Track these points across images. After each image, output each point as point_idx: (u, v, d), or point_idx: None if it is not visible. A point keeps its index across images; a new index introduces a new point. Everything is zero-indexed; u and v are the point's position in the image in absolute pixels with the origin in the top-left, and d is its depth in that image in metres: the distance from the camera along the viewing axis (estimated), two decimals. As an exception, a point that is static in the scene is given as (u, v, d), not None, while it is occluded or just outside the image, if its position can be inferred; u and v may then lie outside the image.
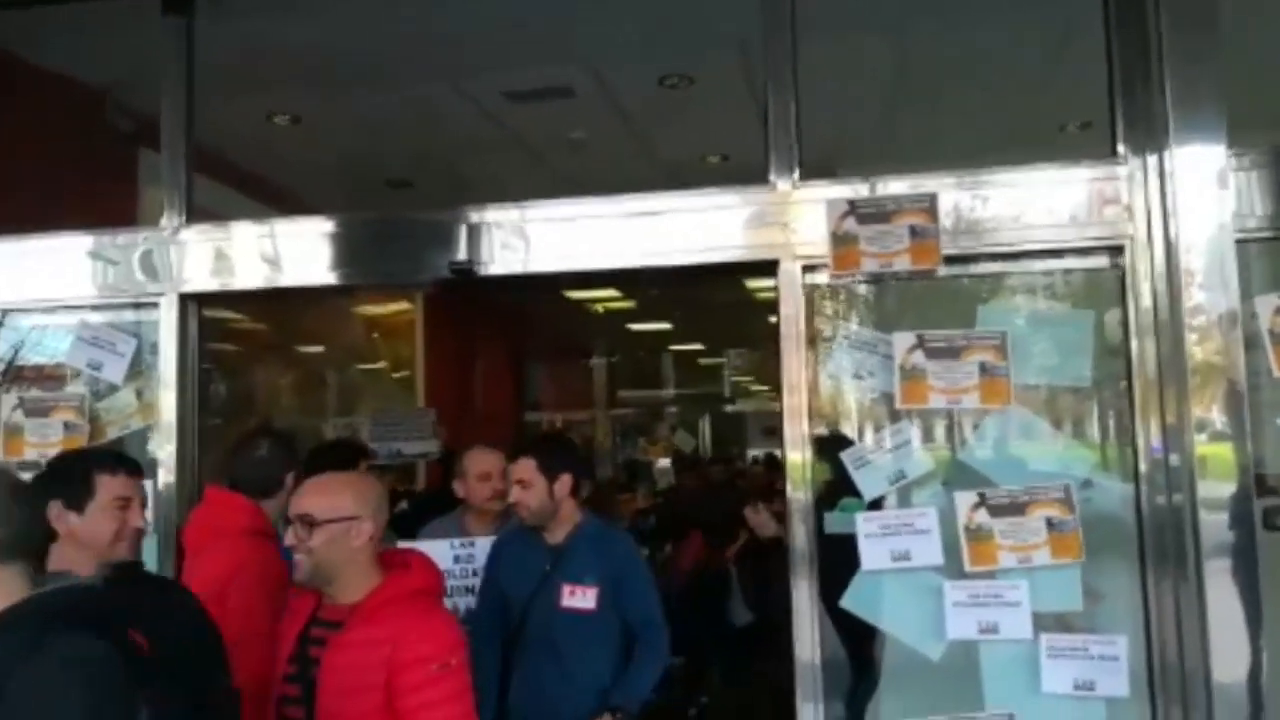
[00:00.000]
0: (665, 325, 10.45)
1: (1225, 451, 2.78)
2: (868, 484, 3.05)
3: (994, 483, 2.97)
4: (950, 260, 3.03)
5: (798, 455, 3.10)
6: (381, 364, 8.22)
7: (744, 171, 3.32)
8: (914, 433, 3.07)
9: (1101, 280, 3.08)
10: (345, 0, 3.74)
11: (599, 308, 8.89)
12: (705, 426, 10.42)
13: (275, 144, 5.14)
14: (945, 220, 3.02)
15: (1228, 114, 2.82)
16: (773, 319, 3.27)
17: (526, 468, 3.01)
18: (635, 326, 10.35)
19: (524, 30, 4.05)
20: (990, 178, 3.11)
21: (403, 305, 7.88)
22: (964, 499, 2.94)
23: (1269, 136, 3.19)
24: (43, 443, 3.49)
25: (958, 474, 3.05)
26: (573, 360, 11.10)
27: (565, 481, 3.04)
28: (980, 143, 4.79)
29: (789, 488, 3.11)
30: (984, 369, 2.95)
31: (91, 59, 4.17)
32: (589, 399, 10.95)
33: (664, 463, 7.75)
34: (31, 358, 3.67)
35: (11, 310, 3.65)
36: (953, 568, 2.93)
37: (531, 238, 3.35)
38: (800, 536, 3.07)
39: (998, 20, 3.92)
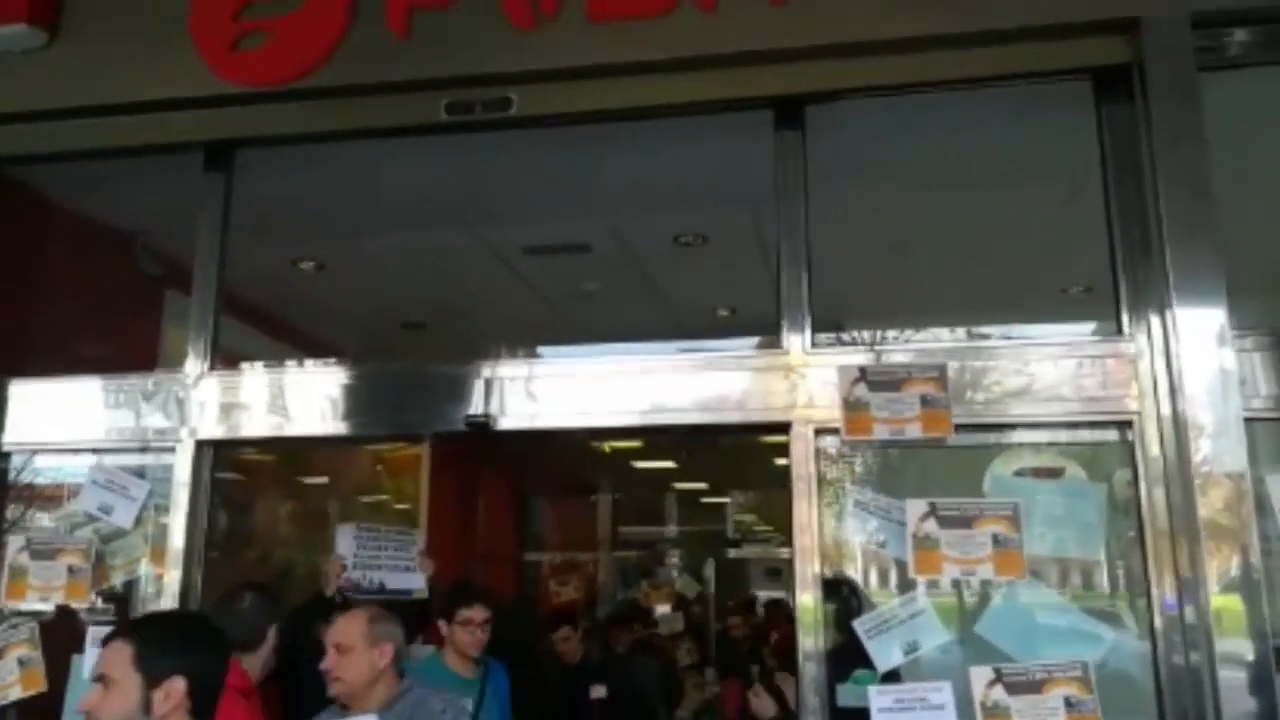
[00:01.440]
0: (670, 464, 10.44)
1: (1241, 607, 2.74)
2: (881, 654, 2.99)
3: (1009, 656, 2.92)
4: (960, 428, 3.06)
5: (809, 599, 3.07)
6: (384, 497, 8.17)
7: (752, 324, 3.40)
8: (928, 602, 3.03)
9: (1111, 448, 3.11)
10: (373, 155, 3.89)
11: (605, 447, 8.91)
12: (710, 570, 10.26)
13: (299, 288, 5.28)
14: (955, 388, 3.07)
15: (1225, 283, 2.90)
16: (779, 461, 3.29)
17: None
18: (640, 464, 10.34)
19: (545, 187, 4.22)
20: (997, 349, 3.18)
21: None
22: (979, 675, 2.87)
23: (1266, 304, 3.29)
24: (46, 586, 3.46)
25: (972, 645, 3.00)
26: (576, 498, 11.03)
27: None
28: (984, 302, 4.92)
29: (799, 636, 3.07)
30: (997, 540, 2.94)
31: (123, 205, 4.33)
32: (592, 538, 10.83)
33: (663, 609, 7.54)
34: (36, 480, 3.70)
35: (27, 449, 3.70)
36: (970, 745, 2.85)
37: (545, 394, 3.41)
38: (811, 705, 3.01)
39: (1004, 183, 4.09)
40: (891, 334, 4.07)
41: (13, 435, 3.67)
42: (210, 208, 3.68)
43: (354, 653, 2.69)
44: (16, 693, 3.31)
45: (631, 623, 6.55)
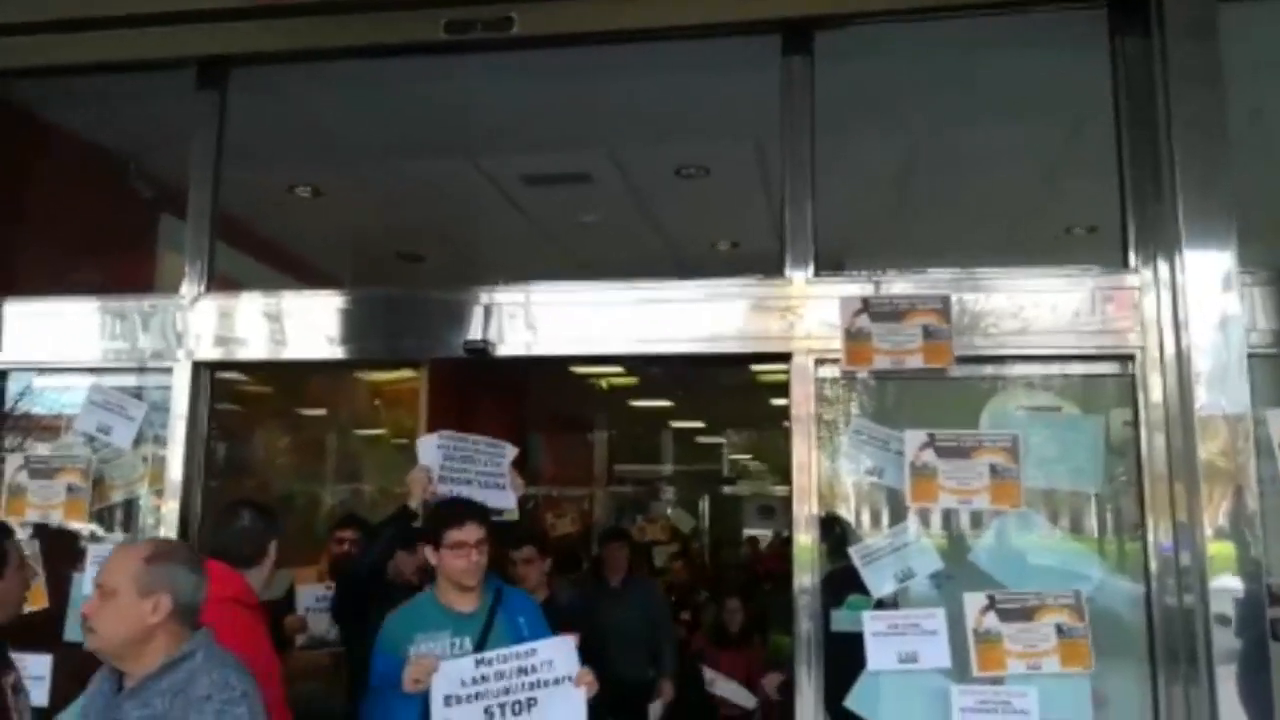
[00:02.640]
0: (667, 403, 10.47)
1: (1236, 552, 2.77)
2: (876, 581, 3.02)
3: (1003, 584, 2.95)
4: (960, 360, 3.06)
5: (806, 538, 3.09)
6: (382, 430, 8.20)
7: (753, 259, 3.37)
8: (922, 530, 3.05)
9: (1111, 385, 3.10)
10: (371, 78, 3.81)
11: (603, 383, 8.92)
12: (704, 506, 10.36)
13: (295, 214, 5.22)
14: (959, 320, 3.06)
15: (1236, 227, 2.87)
16: (775, 401, 3.29)
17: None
18: (637, 403, 10.37)
19: (545, 115, 4.15)
20: (1001, 281, 3.15)
21: (408, 374, 7.89)
22: (973, 601, 2.92)
23: (1272, 249, 3.26)
24: (45, 504, 3.49)
25: (967, 574, 3.02)
26: (573, 434, 11.08)
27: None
28: (987, 241, 4.88)
29: (795, 574, 3.09)
30: (994, 470, 2.96)
31: (116, 125, 4.26)
32: (589, 474, 10.90)
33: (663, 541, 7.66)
34: (34, 409, 3.69)
35: (23, 369, 3.68)
36: (960, 671, 2.89)
37: (543, 321, 3.39)
38: (805, 630, 3.04)
39: (1012, 117, 4.02)
40: (893, 271, 4.03)
41: (8, 354, 3.65)
42: (204, 129, 3.62)
43: (116, 598, 2.07)
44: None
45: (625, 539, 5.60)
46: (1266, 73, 3.46)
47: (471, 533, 3.01)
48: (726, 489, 11.41)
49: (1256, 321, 2.98)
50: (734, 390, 8.65)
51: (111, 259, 4.29)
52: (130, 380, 3.58)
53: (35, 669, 3.14)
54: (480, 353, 3.36)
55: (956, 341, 3.04)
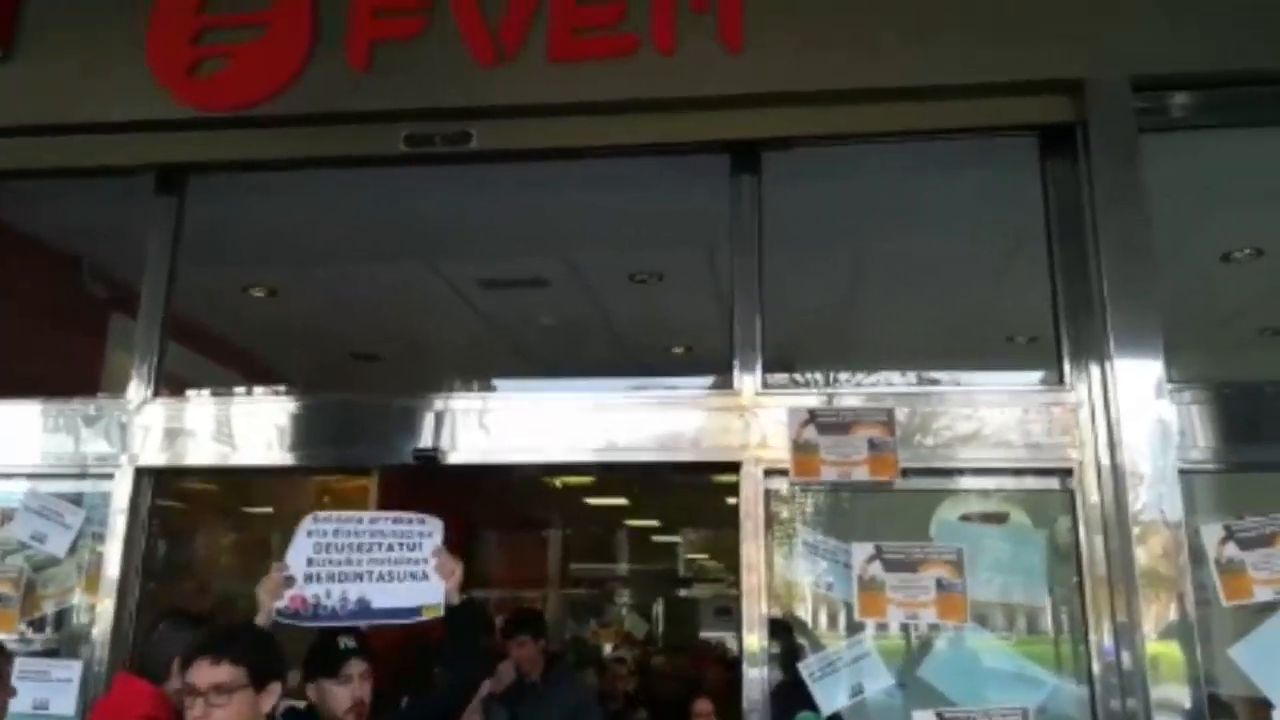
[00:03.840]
0: (623, 501, 10.40)
1: (1178, 654, 2.79)
2: (826, 697, 2.99)
3: (951, 700, 2.94)
4: (906, 473, 3.10)
5: (755, 640, 3.06)
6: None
7: (706, 361, 3.42)
8: (872, 645, 3.04)
9: (1053, 496, 3.16)
10: (330, 185, 3.87)
11: (557, 482, 8.85)
12: (659, 609, 10.20)
13: (250, 314, 5.21)
14: (903, 432, 3.12)
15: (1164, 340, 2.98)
16: (730, 500, 3.30)
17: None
18: (593, 500, 10.28)
19: (503, 222, 4.23)
20: (944, 396, 3.23)
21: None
22: (921, 719, 2.90)
23: (1204, 358, 3.38)
24: (-26, 613, 3.36)
25: (916, 689, 3.01)
26: (526, 532, 10.93)
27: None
28: (932, 346, 5.01)
29: (744, 674, 3.04)
30: (940, 584, 2.97)
31: (71, 226, 4.26)
32: (542, 574, 10.72)
33: (608, 649, 7.44)
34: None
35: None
36: (912, 790, 2.86)
37: (495, 427, 3.38)
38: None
39: (953, 231, 4.17)
40: (843, 375, 4.11)
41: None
42: (160, 231, 3.63)
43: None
44: None
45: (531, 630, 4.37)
46: (1193, 190, 3.65)
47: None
48: (683, 591, 11.27)
49: (1196, 439, 3.05)
50: (690, 489, 8.62)
51: (61, 359, 4.24)
52: (71, 486, 3.50)
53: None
54: (429, 460, 3.34)
55: (903, 453, 3.09)
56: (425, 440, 3.38)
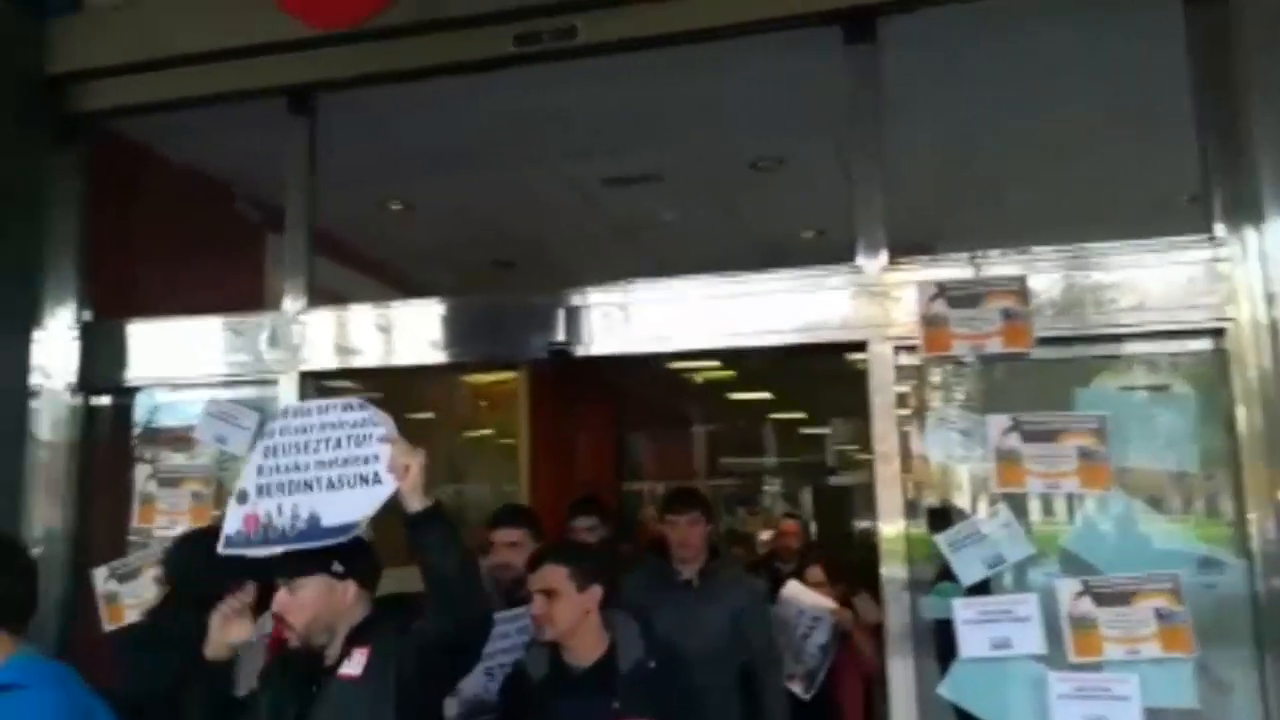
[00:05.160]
0: (766, 395, 10.44)
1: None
2: (964, 568, 2.99)
3: (1097, 569, 2.88)
4: (1046, 342, 2.99)
5: (891, 527, 3.08)
6: (488, 431, 8.41)
7: (840, 246, 3.36)
8: (1012, 515, 3.00)
9: (1204, 363, 2.99)
10: (450, 94, 3.94)
11: (699, 378, 8.95)
12: (808, 497, 10.29)
13: (390, 229, 5.43)
14: (1042, 301, 3.00)
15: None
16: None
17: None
18: (736, 396, 10.37)
19: (620, 118, 4.21)
20: (1084, 260, 3.07)
21: (508, 376, 8.08)
22: (1066, 586, 2.86)
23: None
24: (173, 510, 3.73)
25: (1059, 559, 2.97)
26: (673, 429, 11.15)
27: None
28: (1076, 216, 4.73)
29: (883, 563, 3.08)
30: (1082, 453, 2.88)
31: (220, 153, 4.51)
32: (689, 468, 10.96)
33: (766, 535, 7.63)
34: (164, 422, 3.95)
35: (146, 386, 3.96)
36: (1056, 657, 2.84)
37: (629, 319, 3.45)
38: (897, 617, 3.03)
39: (1094, 91, 3.89)
40: (993, 252, 3.96)
41: (134, 372, 3.92)
42: (296, 152, 3.81)
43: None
44: None
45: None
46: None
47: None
48: (832, 479, 11.30)
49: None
50: (834, 379, 8.55)
51: (224, 280, 4.56)
52: (240, 393, 3.79)
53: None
54: (562, 354, 3.45)
55: (1044, 323, 2.98)
56: (559, 335, 3.48)
